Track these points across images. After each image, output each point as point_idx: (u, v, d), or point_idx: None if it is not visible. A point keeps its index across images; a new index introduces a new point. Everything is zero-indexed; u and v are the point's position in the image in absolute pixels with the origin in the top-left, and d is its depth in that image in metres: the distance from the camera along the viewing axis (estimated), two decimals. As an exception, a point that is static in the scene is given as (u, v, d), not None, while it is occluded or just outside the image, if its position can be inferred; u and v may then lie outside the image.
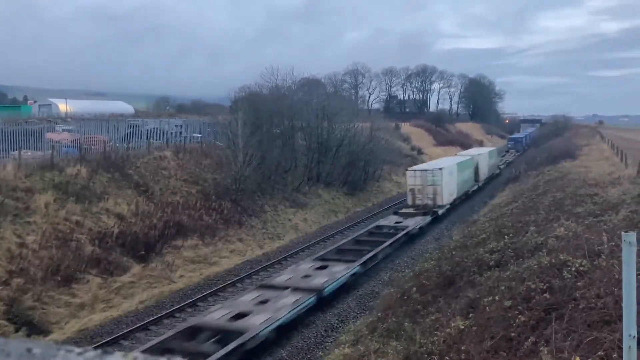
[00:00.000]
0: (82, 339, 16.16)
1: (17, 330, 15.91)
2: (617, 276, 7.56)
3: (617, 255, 8.30)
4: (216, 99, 66.69)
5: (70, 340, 15.98)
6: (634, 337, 3.61)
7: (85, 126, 31.34)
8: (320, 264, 20.93)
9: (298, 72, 59.96)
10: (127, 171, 26.42)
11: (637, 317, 3.72)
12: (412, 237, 27.59)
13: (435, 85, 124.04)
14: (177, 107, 67.41)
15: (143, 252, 22.03)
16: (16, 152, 23.90)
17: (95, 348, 0.89)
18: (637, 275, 4.10)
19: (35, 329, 16.23)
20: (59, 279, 18.39)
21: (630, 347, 3.64)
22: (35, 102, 65.01)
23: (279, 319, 14.84)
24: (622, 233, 3.67)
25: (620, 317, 4.89)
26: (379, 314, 15.09)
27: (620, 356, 5.14)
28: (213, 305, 18.48)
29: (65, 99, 62.13)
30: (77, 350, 0.82)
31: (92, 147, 27.87)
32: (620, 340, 4.43)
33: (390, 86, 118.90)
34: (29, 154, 24.81)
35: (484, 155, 47.64)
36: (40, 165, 23.03)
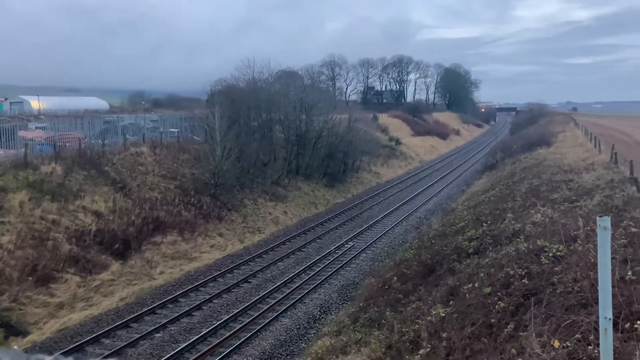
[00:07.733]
0: (61, 338, 15.95)
1: (-6, 333, 15.63)
2: (592, 260, 7.69)
3: (592, 239, 8.43)
4: (192, 93, 65.86)
5: (50, 340, 15.76)
6: (610, 319, 3.68)
7: (59, 123, 30.79)
8: None
9: (276, 64, 59.56)
10: (104, 168, 26.05)
11: (613, 299, 3.80)
12: None
13: (412, 76, 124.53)
14: (153, 101, 66.43)
15: (122, 250, 21.79)
16: (-12, 151, 23.41)
17: (66, 354, 0.87)
18: (612, 258, 4.17)
19: (13, 330, 15.97)
20: (36, 279, 18.11)
21: (606, 329, 3.71)
22: (6, 99, 63.50)
23: None
24: (597, 218, 3.72)
25: (596, 300, 4.98)
26: (361, 304, 15.17)
27: (597, 338, 5.24)
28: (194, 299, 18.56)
29: (38, 95, 60.88)
30: (48, 358, 0.80)
31: (67, 144, 27.39)
32: (597, 322, 4.52)
33: (367, 77, 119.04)
34: (1, 152, 24.31)
35: None
36: (13, 164, 22.57)
